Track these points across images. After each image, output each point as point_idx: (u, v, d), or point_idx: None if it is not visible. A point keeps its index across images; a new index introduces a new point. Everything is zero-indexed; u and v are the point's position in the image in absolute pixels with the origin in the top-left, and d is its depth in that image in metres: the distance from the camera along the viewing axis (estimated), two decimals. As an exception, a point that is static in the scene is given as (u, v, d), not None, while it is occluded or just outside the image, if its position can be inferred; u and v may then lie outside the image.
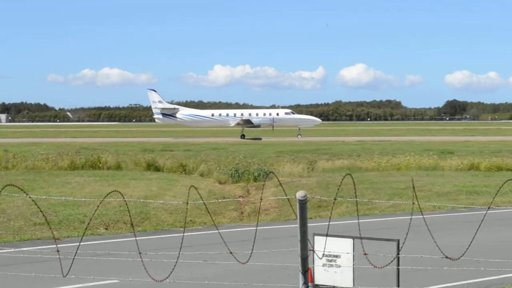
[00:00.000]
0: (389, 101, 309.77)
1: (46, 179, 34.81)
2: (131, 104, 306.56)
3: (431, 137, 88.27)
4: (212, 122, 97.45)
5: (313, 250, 7.80)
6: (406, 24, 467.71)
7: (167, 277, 8.18)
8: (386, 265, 7.86)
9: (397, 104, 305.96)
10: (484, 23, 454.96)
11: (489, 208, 7.99)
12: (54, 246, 8.72)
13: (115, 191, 8.43)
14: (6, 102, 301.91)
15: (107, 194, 8.10)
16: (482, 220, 8.10)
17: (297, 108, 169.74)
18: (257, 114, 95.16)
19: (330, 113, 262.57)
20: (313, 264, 7.83)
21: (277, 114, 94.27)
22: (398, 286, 8.07)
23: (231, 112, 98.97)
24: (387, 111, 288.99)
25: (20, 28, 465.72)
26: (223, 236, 9.03)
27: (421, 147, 60.38)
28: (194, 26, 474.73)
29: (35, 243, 18.19)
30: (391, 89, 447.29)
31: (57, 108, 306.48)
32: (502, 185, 8.43)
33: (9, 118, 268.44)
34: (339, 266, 7.80)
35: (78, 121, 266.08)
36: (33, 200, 8.60)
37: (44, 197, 22.85)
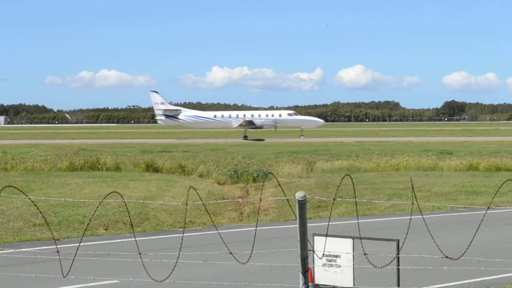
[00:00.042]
0: (387, 102, 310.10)
1: (45, 180, 34.78)
2: (129, 106, 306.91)
3: (430, 137, 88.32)
4: (215, 123, 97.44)
5: (313, 250, 7.81)
6: (404, 25, 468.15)
7: (167, 278, 8.18)
8: (386, 265, 7.87)
9: (395, 105, 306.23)
10: (482, 24, 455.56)
11: (488, 208, 8.00)
12: (54, 246, 8.72)
13: (115, 192, 8.43)
14: (5, 104, 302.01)
15: (107, 195, 8.11)
16: (481, 220, 8.11)
17: (296, 110, 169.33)
18: (259, 115, 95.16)
19: (328, 114, 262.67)
20: (313, 264, 7.83)
21: (280, 115, 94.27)
22: (398, 286, 8.08)
23: (233, 113, 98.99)
24: (386, 112, 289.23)
25: (18, 30, 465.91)
26: (223, 237, 9.03)
27: (420, 147, 60.42)
28: (192, 27, 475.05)
29: (35, 244, 18.19)
30: (389, 90, 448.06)
31: (55, 110, 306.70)
32: (502, 185, 8.44)
33: (8, 120, 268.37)
34: (339, 266, 7.81)
35: (77, 122, 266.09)
36: (32, 201, 8.59)
37: (44, 198, 22.80)
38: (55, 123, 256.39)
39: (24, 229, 20.76)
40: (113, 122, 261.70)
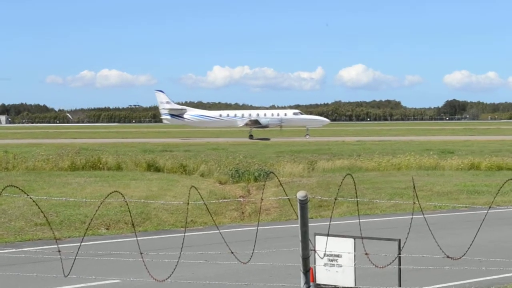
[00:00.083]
0: (388, 101, 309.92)
1: (46, 179, 34.80)
2: (130, 105, 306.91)
3: (431, 137, 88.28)
4: (220, 123, 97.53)
5: (314, 250, 7.81)
6: (405, 24, 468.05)
7: (168, 277, 8.18)
8: (388, 265, 7.87)
9: (396, 104, 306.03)
10: (483, 23, 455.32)
11: (490, 207, 8.00)
12: (55, 246, 8.72)
13: (116, 191, 8.43)
14: (6, 104, 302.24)
15: (108, 195, 8.11)
16: (483, 220, 8.10)
17: (297, 109, 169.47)
18: (265, 115, 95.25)
19: (329, 113, 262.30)
20: (315, 263, 7.83)
21: (285, 115, 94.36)
22: (400, 285, 8.08)
23: (239, 112, 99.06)
24: (387, 111, 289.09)
25: (19, 29, 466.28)
26: (224, 236, 9.04)
27: (421, 147, 60.39)
28: (193, 27, 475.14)
29: (36, 244, 18.19)
30: (390, 89, 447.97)
31: (56, 109, 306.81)
32: (503, 184, 8.43)
33: (9, 119, 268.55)
34: (341, 266, 7.81)
35: (78, 122, 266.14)
36: (33, 201, 8.60)
37: (45, 197, 22.82)
38: (57, 123, 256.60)
39: (25, 229, 20.77)
40: (114, 122, 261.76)
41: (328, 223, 8.16)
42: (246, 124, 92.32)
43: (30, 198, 8.17)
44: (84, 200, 13.43)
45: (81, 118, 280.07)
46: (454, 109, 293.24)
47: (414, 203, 7.92)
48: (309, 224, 7.43)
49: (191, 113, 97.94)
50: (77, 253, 8.10)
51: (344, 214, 24.24)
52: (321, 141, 76.71)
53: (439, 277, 13.89)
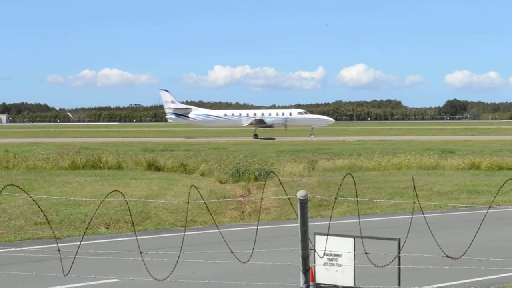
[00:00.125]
0: (389, 101, 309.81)
1: (46, 179, 34.82)
2: (131, 104, 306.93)
3: (432, 136, 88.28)
4: (225, 122, 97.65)
5: (314, 249, 7.80)
6: (406, 24, 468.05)
7: (168, 276, 8.18)
8: (387, 264, 7.86)
9: (397, 104, 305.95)
10: (484, 22, 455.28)
11: (490, 207, 7.99)
12: (55, 245, 8.72)
13: (116, 190, 8.43)
14: (7, 103, 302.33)
15: (108, 194, 8.10)
16: (483, 219, 8.10)
17: (297, 108, 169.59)
18: (270, 114, 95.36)
19: (330, 113, 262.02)
20: (314, 263, 7.83)
21: (290, 114, 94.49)
22: (399, 285, 8.08)
23: (244, 112, 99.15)
24: (388, 111, 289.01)
25: (20, 29, 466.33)
26: (224, 236, 9.03)
27: (421, 146, 60.39)
28: (194, 26, 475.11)
29: (36, 243, 18.19)
30: (391, 89, 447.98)
31: (57, 109, 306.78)
32: (503, 184, 8.43)
33: (10, 118, 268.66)
34: (340, 265, 7.81)
35: (79, 121, 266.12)
36: (34, 200, 8.59)
37: (45, 196, 22.85)
38: (57, 122, 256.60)
39: (25, 228, 20.77)
40: (115, 121, 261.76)
41: (328, 222, 8.16)
42: (251, 124, 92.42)
43: (30, 197, 8.17)
44: (84, 199, 13.42)
45: (82, 117, 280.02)
46: (455, 109, 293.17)
47: (414, 202, 7.92)
48: (309, 224, 7.43)
49: (196, 113, 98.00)
50: (76, 252, 8.09)
51: (344, 214, 24.24)
52: (322, 140, 76.73)
53: (438, 276, 13.88)
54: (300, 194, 7.26)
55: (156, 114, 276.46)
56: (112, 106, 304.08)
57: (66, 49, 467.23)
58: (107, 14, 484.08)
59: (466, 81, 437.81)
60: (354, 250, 7.74)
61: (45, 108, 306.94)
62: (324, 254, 7.81)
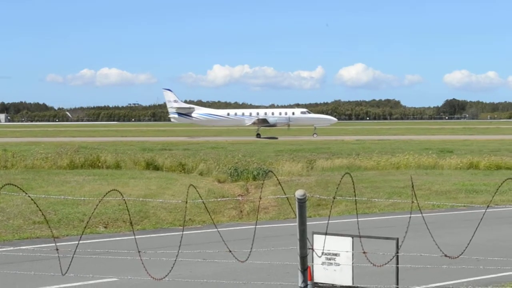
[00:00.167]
0: (388, 101, 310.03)
1: (45, 178, 34.79)
2: (130, 104, 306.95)
3: (431, 136, 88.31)
4: (228, 122, 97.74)
5: (312, 249, 7.80)
6: (405, 23, 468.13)
7: (166, 276, 8.17)
8: (385, 264, 7.86)
9: (396, 104, 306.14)
10: (483, 22, 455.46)
11: (488, 206, 8.00)
12: (53, 244, 8.73)
13: (114, 190, 8.42)
14: (6, 102, 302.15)
15: (107, 193, 8.09)
16: (481, 219, 8.10)
17: (296, 108, 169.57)
18: (272, 113, 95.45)
19: (329, 112, 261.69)
20: (312, 262, 7.82)
21: (293, 113, 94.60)
22: (397, 284, 8.07)
23: (246, 111, 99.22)
24: (386, 111, 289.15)
25: (19, 28, 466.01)
26: (222, 235, 9.02)
27: (420, 146, 60.41)
28: (193, 26, 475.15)
29: (34, 242, 18.19)
30: (390, 88, 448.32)
31: (56, 108, 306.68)
32: (502, 183, 8.43)
33: (9, 117, 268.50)
34: (338, 265, 7.80)
35: (77, 120, 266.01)
36: (32, 199, 8.58)
37: (43, 196, 22.85)
38: (56, 121, 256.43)
39: (23, 227, 20.75)
40: (113, 120, 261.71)
41: (327, 222, 8.15)
42: (254, 123, 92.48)
43: (29, 196, 8.16)
44: (82, 198, 13.42)
45: (81, 117, 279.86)
46: (454, 109, 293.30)
47: (413, 202, 7.92)
48: (307, 223, 7.42)
49: (199, 112, 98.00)
50: (75, 251, 8.09)
51: (343, 213, 24.24)
52: (320, 140, 76.74)
53: (436, 276, 13.89)
54: (299, 193, 7.26)
55: (155, 113, 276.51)
56: (111, 106, 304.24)
57: (65, 49, 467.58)
58: (106, 13, 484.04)
59: (465, 81, 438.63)
60: (353, 250, 7.73)
61: (43, 107, 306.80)
62: (322, 253, 7.81)
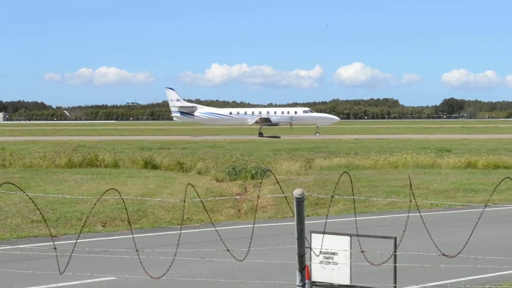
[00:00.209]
0: (386, 100, 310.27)
1: (43, 177, 34.77)
2: (128, 103, 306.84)
3: (429, 135, 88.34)
4: (230, 120, 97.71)
5: (310, 248, 7.80)
6: (403, 23, 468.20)
7: (164, 274, 8.17)
8: (383, 263, 7.86)
9: (394, 103, 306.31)
10: (481, 21, 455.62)
11: (486, 205, 8.01)
12: (51, 243, 8.72)
13: (113, 188, 8.42)
14: (4, 101, 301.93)
15: (105, 192, 8.09)
16: (479, 218, 8.11)
17: (295, 107, 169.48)
18: (275, 112, 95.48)
19: (327, 111, 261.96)
20: (310, 261, 7.82)
21: (295, 112, 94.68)
22: (395, 283, 8.07)
23: (249, 110, 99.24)
24: (385, 110, 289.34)
25: (17, 27, 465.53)
26: (220, 234, 9.03)
27: (418, 145, 60.44)
28: (191, 25, 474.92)
29: (32, 241, 18.17)
30: (388, 87, 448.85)
31: (54, 107, 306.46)
32: (499, 183, 8.43)
33: (7, 116, 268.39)
34: (336, 264, 7.80)
35: (76, 119, 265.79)
36: (30, 198, 8.58)
37: (41, 194, 22.80)
38: (54, 120, 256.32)
39: (21, 226, 20.74)
40: (112, 119, 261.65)
41: (325, 221, 8.15)
42: (256, 122, 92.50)
43: (27, 195, 8.15)
44: (80, 197, 13.44)
45: (79, 116, 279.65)
46: (452, 108, 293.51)
47: (411, 201, 7.92)
48: (305, 222, 7.42)
49: (201, 111, 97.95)
50: (72, 250, 8.08)
51: (341, 212, 24.24)
52: (318, 139, 76.75)
53: (434, 275, 13.89)
54: (297, 192, 7.26)
55: (153, 112, 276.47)
56: (109, 104, 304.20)
57: (63, 47, 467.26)
58: (105, 12, 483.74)
59: (463, 80, 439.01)
60: (350, 248, 7.73)
61: (42, 106, 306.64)
62: (320, 252, 7.81)
